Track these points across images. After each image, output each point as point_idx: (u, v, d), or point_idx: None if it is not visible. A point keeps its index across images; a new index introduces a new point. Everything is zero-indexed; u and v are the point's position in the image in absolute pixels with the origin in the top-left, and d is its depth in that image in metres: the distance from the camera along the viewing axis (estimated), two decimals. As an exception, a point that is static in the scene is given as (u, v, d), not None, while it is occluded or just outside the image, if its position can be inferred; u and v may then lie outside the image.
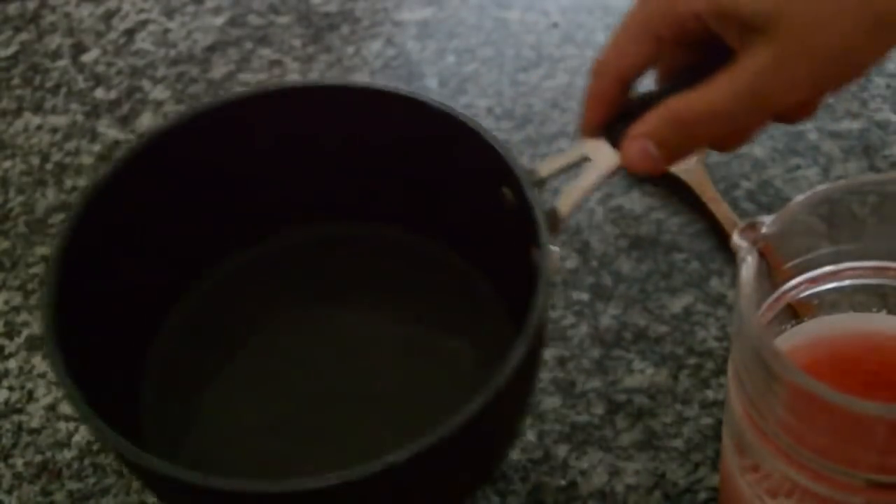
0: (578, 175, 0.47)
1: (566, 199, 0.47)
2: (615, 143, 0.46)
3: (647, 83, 0.47)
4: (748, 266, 0.36)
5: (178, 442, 0.51)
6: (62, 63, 0.80)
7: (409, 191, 0.55)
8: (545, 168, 0.48)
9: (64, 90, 0.78)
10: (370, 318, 0.55)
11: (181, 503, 0.46)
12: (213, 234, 0.56)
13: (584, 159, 0.47)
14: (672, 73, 0.46)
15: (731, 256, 0.60)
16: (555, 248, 0.45)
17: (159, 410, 0.52)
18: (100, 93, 0.77)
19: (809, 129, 0.66)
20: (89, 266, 0.48)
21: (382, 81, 0.74)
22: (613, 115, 0.47)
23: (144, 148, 0.51)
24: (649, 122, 0.44)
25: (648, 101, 0.45)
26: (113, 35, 0.81)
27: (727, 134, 0.44)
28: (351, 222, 0.57)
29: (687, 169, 0.63)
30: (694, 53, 0.45)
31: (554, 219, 0.46)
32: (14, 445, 0.57)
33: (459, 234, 0.55)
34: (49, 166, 0.72)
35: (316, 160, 0.54)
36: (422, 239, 0.56)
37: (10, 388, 0.60)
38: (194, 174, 0.53)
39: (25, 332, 0.62)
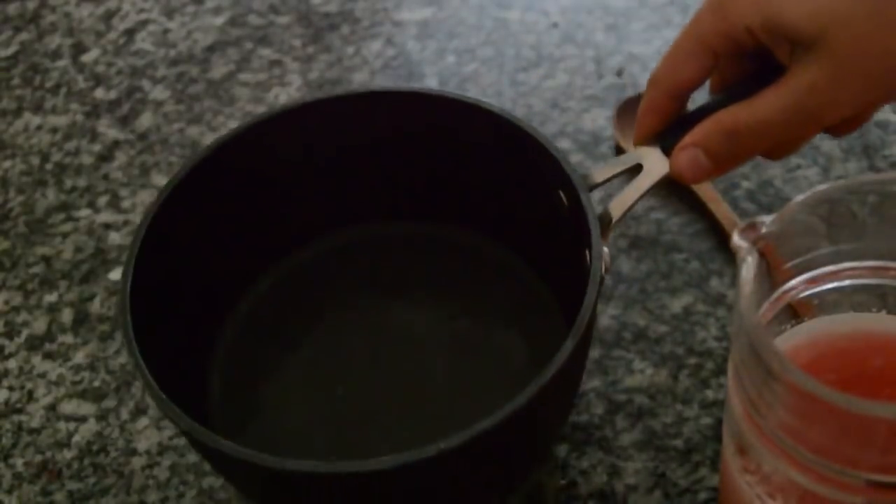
0: (631, 181, 0.49)
1: (618, 204, 0.48)
2: (668, 151, 0.48)
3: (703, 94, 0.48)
4: (748, 266, 0.36)
5: (242, 428, 0.53)
6: (62, 63, 0.80)
7: (467, 192, 0.57)
8: (599, 174, 0.49)
9: (64, 90, 0.78)
10: (427, 314, 0.57)
11: (240, 482, 0.49)
12: (278, 231, 0.58)
13: (637, 166, 0.49)
14: (725, 86, 0.47)
15: (731, 256, 0.60)
16: (605, 249, 0.47)
17: (224, 399, 0.54)
18: (100, 93, 0.77)
19: (809, 129, 0.66)
20: (161, 263, 0.50)
21: (382, 81, 0.74)
22: (668, 126, 0.48)
23: (214, 151, 0.53)
24: (699, 132, 0.45)
25: (702, 113, 0.46)
26: (113, 35, 0.81)
27: (776, 145, 0.45)
28: (409, 222, 0.59)
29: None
30: (747, 67, 0.46)
31: (605, 222, 0.48)
32: (14, 445, 0.57)
33: (515, 235, 0.57)
34: (49, 166, 0.72)
35: (379, 164, 0.57)
36: (479, 238, 0.58)
37: (10, 388, 0.60)
38: (261, 177, 0.55)
39: (25, 332, 0.62)
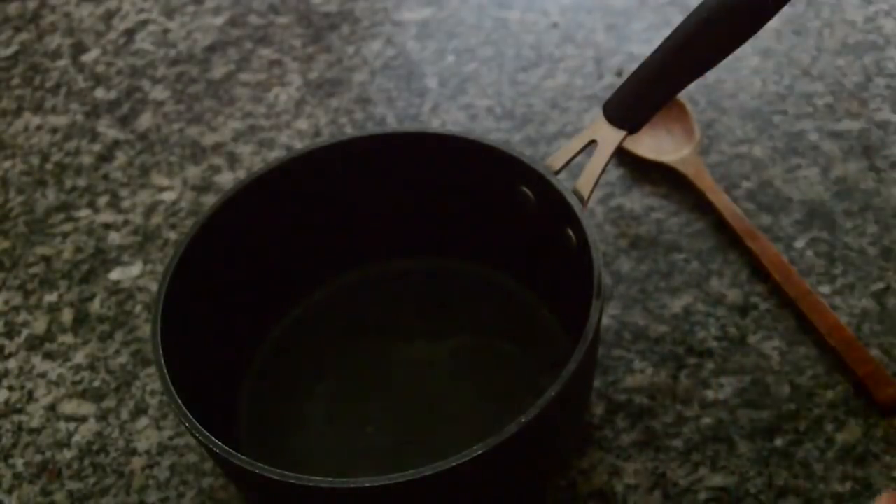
0: (590, 158, 0.51)
1: (585, 181, 0.50)
2: (613, 120, 0.50)
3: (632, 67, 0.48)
4: None
5: (271, 451, 0.54)
6: (62, 63, 0.80)
7: (461, 225, 0.58)
8: (557, 161, 0.51)
9: (64, 90, 0.78)
10: (439, 340, 0.58)
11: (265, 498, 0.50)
12: (304, 266, 0.59)
13: (591, 143, 0.51)
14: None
15: (730, 257, 0.60)
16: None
17: (253, 424, 0.55)
18: (100, 93, 0.77)
19: (809, 129, 0.66)
20: (195, 290, 0.51)
21: (382, 81, 0.74)
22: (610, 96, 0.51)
23: (237, 193, 0.54)
24: None
25: (639, 75, 0.49)
26: (113, 35, 0.81)
27: None
28: (416, 257, 0.61)
29: (683, 159, 0.64)
30: None
31: (580, 199, 0.50)
32: (14, 445, 0.57)
33: (512, 260, 0.58)
34: (49, 166, 0.72)
35: (393, 203, 0.58)
36: (477, 267, 0.60)
37: (10, 388, 0.60)
38: (297, 210, 0.57)
39: (25, 332, 0.62)
